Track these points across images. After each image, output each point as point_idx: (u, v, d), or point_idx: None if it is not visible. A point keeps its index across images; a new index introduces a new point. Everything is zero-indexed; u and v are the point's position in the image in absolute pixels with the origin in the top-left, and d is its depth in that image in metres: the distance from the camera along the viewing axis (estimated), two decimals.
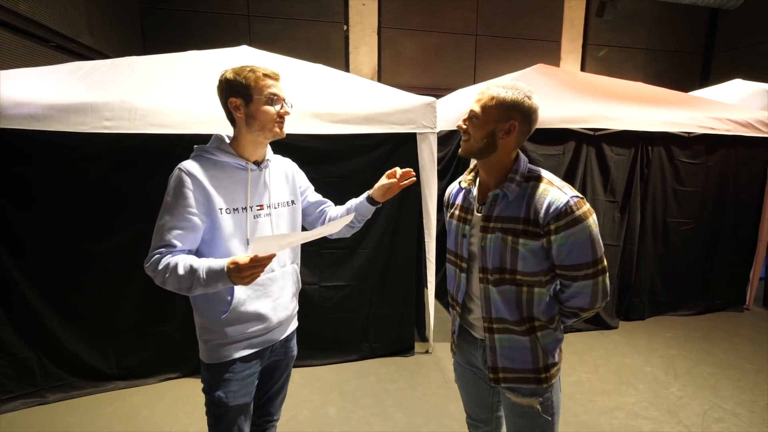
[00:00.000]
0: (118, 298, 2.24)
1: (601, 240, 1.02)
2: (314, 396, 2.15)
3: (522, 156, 1.09)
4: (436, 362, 2.65)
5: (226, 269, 1.01)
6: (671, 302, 3.36)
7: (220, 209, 1.13)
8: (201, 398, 2.39)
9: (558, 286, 1.11)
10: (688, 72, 6.77)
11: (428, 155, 2.51)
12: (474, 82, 5.54)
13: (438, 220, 2.86)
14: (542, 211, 0.99)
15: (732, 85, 4.17)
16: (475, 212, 1.12)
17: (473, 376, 1.25)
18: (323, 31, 5.30)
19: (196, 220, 1.10)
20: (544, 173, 1.07)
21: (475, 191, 1.15)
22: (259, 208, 1.21)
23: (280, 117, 1.17)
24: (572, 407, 2.20)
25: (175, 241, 1.08)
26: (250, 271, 0.98)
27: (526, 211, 1.02)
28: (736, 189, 3.29)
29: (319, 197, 1.48)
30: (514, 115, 1.00)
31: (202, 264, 1.05)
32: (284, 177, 1.34)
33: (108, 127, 2.01)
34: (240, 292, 1.16)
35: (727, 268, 3.39)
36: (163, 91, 2.19)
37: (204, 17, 4.84)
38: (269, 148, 1.29)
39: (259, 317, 1.20)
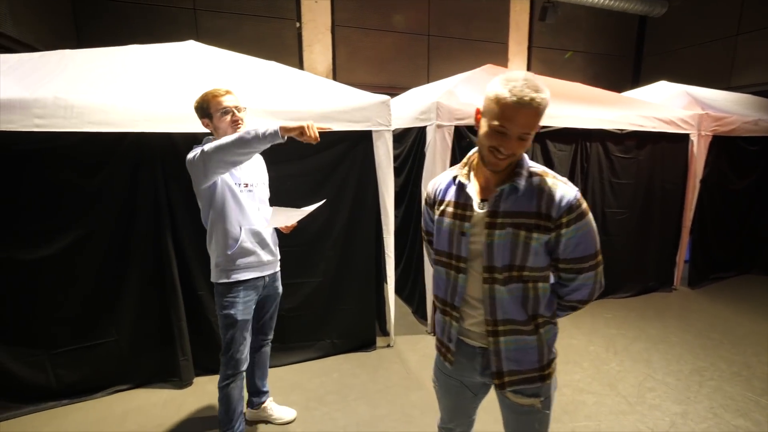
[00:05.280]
0: (52, 309, 2.08)
1: None
2: (276, 397, 2.13)
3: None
4: (398, 354, 2.71)
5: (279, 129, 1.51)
6: (610, 286, 3.64)
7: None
8: (154, 408, 2.29)
9: (558, 282, 1.12)
10: (621, 74, 7.35)
11: (384, 152, 2.55)
12: (428, 81, 5.66)
13: (396, 216, 2.92)
14: (555, 205, 1.00)
15: (658, 87, 4.59)
16: (476, 209, 1.08)
17: (459, 384, 1.22)
18: (275, 28, 5.19)
19: None
20: (545, 168, 1.08)
21: (472, 187, 1.10)
22: (244, 186, 1.70)
23: (234, 122, 1.61)
24: None
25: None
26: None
27: (538, 205, 1.02)
28: (662, 180, 3.64)
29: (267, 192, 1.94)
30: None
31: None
32: (259, 162, 1.84)
33: (40, 125, 1.86)
34: (244, 235, 1.67)
35: (657, 252, 3.75)
36: (101, 87, 2.05)
37: (144, 9, 4.56)
38: None
39: (254, 253, 1.72)
